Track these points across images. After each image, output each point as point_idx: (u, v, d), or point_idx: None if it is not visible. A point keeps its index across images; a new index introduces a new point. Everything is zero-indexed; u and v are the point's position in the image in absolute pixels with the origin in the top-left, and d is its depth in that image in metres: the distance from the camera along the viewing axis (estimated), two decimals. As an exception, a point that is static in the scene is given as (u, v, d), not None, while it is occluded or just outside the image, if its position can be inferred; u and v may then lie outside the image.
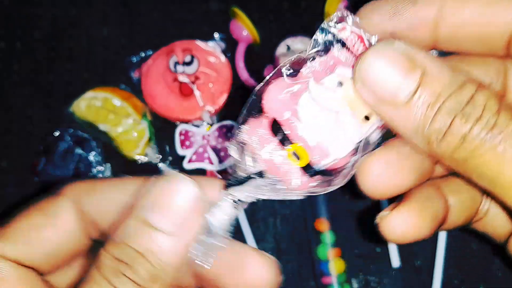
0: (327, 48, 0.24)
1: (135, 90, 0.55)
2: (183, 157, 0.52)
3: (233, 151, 0.24)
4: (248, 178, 0.24)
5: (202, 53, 0.54)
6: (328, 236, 0.49)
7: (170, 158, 0.53)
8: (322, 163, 0.23)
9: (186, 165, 0.52)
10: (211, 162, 0.51)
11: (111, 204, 0.24)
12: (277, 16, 0.58)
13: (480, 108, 0.19)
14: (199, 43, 0.55)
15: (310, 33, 0.54)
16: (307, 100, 0.23)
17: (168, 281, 0.21)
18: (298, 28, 0.57)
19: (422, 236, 0.24)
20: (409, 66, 0.20)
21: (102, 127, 0.52)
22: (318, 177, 0.24)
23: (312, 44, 0.24)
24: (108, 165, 0.52)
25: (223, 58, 0.55)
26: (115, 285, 0.20)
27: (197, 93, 0.53)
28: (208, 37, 0.56)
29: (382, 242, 0.50)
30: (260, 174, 0.24)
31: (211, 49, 0.55)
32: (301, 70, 0.24)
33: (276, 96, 0.24)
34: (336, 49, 0.24)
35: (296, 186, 0.23)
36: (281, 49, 0.52)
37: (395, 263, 0.49)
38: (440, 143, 0.20)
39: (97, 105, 0.52)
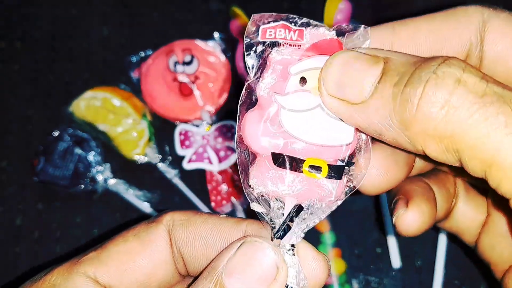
0: (264, 60, 0.23)
1: (135, 90, 0.55)
2: (182, 157, 0.52)
3: (256, 207, 0.23)
4: (289, 219, 0.23)
5: (202, 52, 0.54)
6: (328, 237, 0.49)
7: (170, 158, 0.53)
8: (339, 158, 0.22)
9: (186, 165, 0.52)
10: (210, 162, 0.51)
11: (202, 243, 0.24)
12: (277, 16, 0.58)
13: (459, 71, 0.19)
14: (199, 42, 0.55)
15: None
16: (287, 115, 0.22)
17: None
18: (298, 27, 0.57)
19: (428, 228, 0.26)
20: (372, 59, 0.20)
21: (102, 127, 0.52)
22: (345, 175, 0.23)
23: (250, 69, 0.23)
24: (108, 165, 0.52)
25: (222, 57, 0.55)
26: None
27: (196, 93, 0.53)
28: (208, 37, 0.56)
29: (382, 242, 0.50)
30: (297, 210, 0.23)
31: (211, 49, 0.55)
32: (259, 94, 0.23)
33: (258, 135, 0.22)
34: (274, 52, 0.23)
35: (333, 196, 0.23)
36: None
37: (395, 263, 0.49)
38: (410, 127, 0.19)
39: (97, 105, 0.52)
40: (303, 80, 0.22)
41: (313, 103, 0.22)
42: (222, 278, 0.21)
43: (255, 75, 0.23)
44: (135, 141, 0.52)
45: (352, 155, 0.23)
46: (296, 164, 0.22)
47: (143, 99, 0.54)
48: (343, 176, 0.23)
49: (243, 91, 0.23)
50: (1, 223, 0.52)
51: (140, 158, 0.52)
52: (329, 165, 0.22)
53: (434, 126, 0.19)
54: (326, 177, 0.22)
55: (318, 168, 0.22)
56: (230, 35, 0.56)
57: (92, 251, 0.23)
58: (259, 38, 0.23)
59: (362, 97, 0.20)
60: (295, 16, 0.24)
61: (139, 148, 0.52)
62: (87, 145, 0.52)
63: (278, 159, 0.22)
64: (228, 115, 0.54)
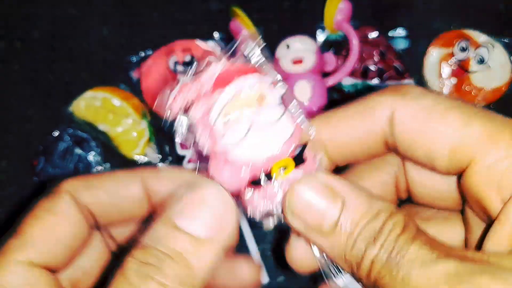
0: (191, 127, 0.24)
1: (135, 90, 0.55)
2: (183, 157, 0.52)
3: (267, 224, 0.24)
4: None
5: (202, 52, 0.54)
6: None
7: (170, 158, 0.53)
8: (297, 145, 0.24)
9: (186, 165, 0.52)
10: (211, 162, 0.51)
11: (106, 196, 0.26)
12: (277, 15, 0.58)
13: (386, 234, 0.21)
14: (199, 42, 0.55)
15: (310, 33, 0.54)
16: (239, 150, 0.23)
17: (196, 284, 0.21)
18: (298, 27, 0.57)
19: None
20: (331, 196, 0.22)
21: (102, 127, 0.52)
22: (307, 154, 0.24)
23: (178, 130, 0.24)
24: (108, 165, 0.52)
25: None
26: None
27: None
28: (208, 37, 0.57)
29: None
30: None
31: (211, 49, 0.55)
32: (208, 153, 0.24)
33: (225, 177, 0.24)
34: (193, 113, 0.24)
35: (308, 178, 0.24)
36: (281, 48, 0.52)
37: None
38: (358, 269, 0.22)
39: (97, 105, 0.52)
40: (222, 102, 0.23)
41: (245, 127, 0.23)
42: (174, 218, 0.21)
43: (179, 134, 0.24)
44: (135, 141, 0.52)
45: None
46: (266, 179, 0.24)
47: (143, 99, 0.54)
48: (307, 159, 0.24)
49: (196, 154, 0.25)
50: (1, 223, 0.52)
51: (140, 158, 0.52)
52: (294, 159, 0.24)
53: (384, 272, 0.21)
54: (295, 168, 0.24)
55: (285, 167, 0.24)
56: (230, 35, 0.56)
57: (11, 239, 0.23)
58: (173, 114, 0.24)
59: (322, 231, 0.22)
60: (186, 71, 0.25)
61: (139, 148, 0.52)
62: (87, 145, 0.52)
63: (252, 184, 0.24)
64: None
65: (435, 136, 0.23)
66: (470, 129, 0.22)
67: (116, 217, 0.27)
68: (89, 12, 0.60)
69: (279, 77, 0.25)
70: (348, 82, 0.53)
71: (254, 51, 0.24)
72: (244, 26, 0.55)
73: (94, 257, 0.27)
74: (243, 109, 0.23)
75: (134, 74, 0.55)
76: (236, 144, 0.23)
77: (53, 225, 0.24)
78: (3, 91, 0.57)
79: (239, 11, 0.54)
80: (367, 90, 0.53)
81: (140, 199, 0.26)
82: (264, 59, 0.25)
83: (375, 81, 0.53)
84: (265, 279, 0.49)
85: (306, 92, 0.50)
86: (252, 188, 0.24)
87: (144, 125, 0.53)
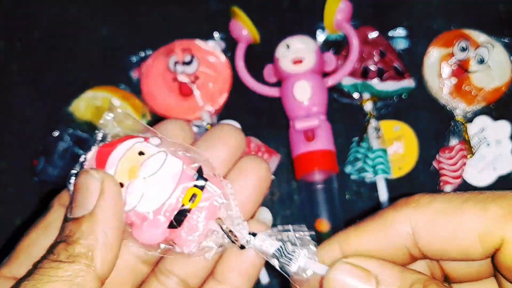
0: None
1: (135, 89, 0.55)
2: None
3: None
4: (230, 233, 0.26)
5: (202, 52, 0.54)
6: (328, 236, 0.49)
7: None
8: (192, 178, 0.26)
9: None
10: (211, 162, 0.51)
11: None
12: (277, 15, 0.58)
13: None
14: (199, 42, 0.55)
15: (310, 33, 0.54)
16: (133, 201, 0.25)
17: (91, 257, 0.23)
18: (298, 27, 0.57)
19: None
20: (365, 275, 0.23)
21: (102, 127, 0.52)
22: (206, 174, 0.26)
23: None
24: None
25: (223, 57, 0.55)
26: (38, 272, 0.22)
27: (196, 93, 0.53)
28: (208, 37, 0.57)
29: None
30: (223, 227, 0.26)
31: (211, 48, 0.55)
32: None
33: (147, 234, 0.25)
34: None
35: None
36: (281, 48, 0.52)
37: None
38: None
39: (97, 105, 0.53)
40: (121, 185, 0.25)
41: (140, 186, 0.25)
42: (66, 215, 0.24)
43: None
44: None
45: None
46: (183, 213, 0.25)
47: (143, 99, 0.54)
48: (204, 177, 0.26)
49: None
50: (1, 223, 0.52)
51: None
52: (194, 186, 0.25)
53: None
54: (203, 190, 0.25)
55: (194, 195, 0.25)
56: (230, 35, 0.56)
57: (8, 257, 0.26)
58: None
59: None
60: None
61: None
62: (88, 145, 0.52)
63: (175, 225, 0.25)
64: (228, 115, 0.54)
65: (461, 233, 0.24)
66: (489, 213, 0.23)
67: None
68: (88, 12, 0.60)
69: (148, 131, 0.27)
70: (348, 82, 0.53)
71: (111, 127, 0.27)
72: (244, 25, 0.55)
73: None
74: (129, 173, 0.25)
75: (134, 74, 0.55)
76: (139, 203, 0.25)
77: (37, 237, 0.26)
78: (3, 91, 0.57)
79: (239, 11, 0.54)
80: (366, 89, 0.53)
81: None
82: (121, 128, 0.27)
83: (375, 81, 0.53)
84: (265, 279, 0.50)
85: (306, 92, 0.50)
86: (176, 229, 0.25)
87: (144, 125, 0.53)
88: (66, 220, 0.24)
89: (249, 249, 0.27)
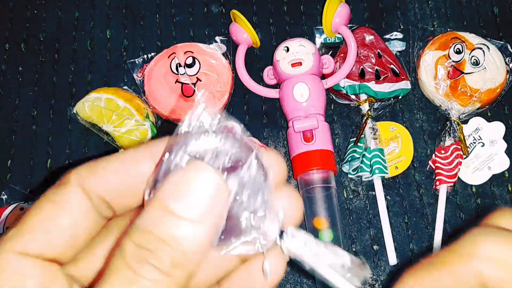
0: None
1: (138, 91, 0.56)
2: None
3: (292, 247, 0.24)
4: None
5: (203, 55, 0.55)
6: (326, 234, 0.50)
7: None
8: None
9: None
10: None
11: (116, 179, 0.24)
12: (277, 19, 0.59)
13: None
14: (200, 45, 0.56)
15: (308, 36, 0.55)
16: None
17: (191, 268, 0.21)
18: (297, 30, 0.58)
19: None
20: None
21: (105, 127, 0.53)
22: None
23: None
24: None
25: (224, 60, 0.55)
26: (140, 273, 0.21)
27: (198, 94, 0.54)
28: (209, 40, 0.57)
29: (379, 239, 0.51)
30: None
31: (212, 51, 0.55)
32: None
33: None
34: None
35: None
36: (280, 51, 0.53)
37: (392, 260, 0.50)
38: None
39: (100, 106, 0.53)
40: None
41: None
42: (168, 202, 0.21)
43: None
44: (138, 141, 0.53)
45: None
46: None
47: (146, 100, 0.55)
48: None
49: None
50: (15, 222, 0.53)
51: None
52: None
53: None
54: None
55: None
56: (230, 38, 0.57)
57: (12, 229, 0.23)
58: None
59: None
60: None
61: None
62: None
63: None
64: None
65: None
66: None
67: (132, 201, 0.25)
68: (92, 15, 0.60)
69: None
70: (345, 83, 0.54)
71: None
72: (244, 29, 0.56)
73: (107, 246, 0.26)
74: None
75: (137, 76, 0.56)
76: None
77: (55, 215, 0.23)
78: (8, 93, 0.58)
79: (238, 14, 0.55)
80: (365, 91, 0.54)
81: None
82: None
83: (372, 83, 0.53)
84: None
85: (305, 93, 0.51)
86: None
87: (147, 125, 0.53)
88: (162, 207, 0.22)
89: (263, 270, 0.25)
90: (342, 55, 0.55)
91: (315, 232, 0.50)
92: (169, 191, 0.22)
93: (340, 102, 0.56)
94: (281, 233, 0.24)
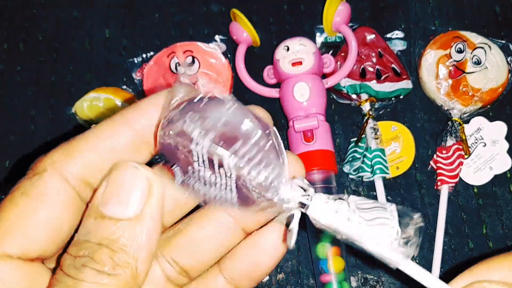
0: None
1: (137, 90, 0.55)
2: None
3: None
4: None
5: (203, 54, 0.55)
6: (327, 235, 0.49)
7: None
8: None
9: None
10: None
11: (95, 157, 0.23)
12: (277, 18, 0.59)
13: None
14: (200, 44, 0.55)
15: (309, 35, 0.55)
16: None
17: (136, 265, 0.21)
18: (297, 29, 0.58)
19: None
20: None
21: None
22: None
23: None
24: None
25: (223, 59, 0.55)
26: (79, 278, 0.20)
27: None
28: (208, 39, 0.57)
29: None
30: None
31: (212, 50, 0.55)
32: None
33: None
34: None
35: None
36: (280, 50, 0.53)
37: (393, 261, 0.50)
38: None
39: (99, 106, 0.53)
40: None
41: None
42: (100, 209, 0.21)
43: None
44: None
45: None
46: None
47: (144, 100, 0.55)
48: None
49: None
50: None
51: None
52: None
53: None
54: None
55: None
56: (230, 37, 0.57)
57: None
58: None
59: None
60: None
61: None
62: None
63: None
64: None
65: None
66: None
67: None
68: (91, 14, 0.60)
69: None
70: (346, 83, 0.54)
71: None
72: (244, 28, 0.55)
73: None
74: None
75: (136, 75, 0.56)
76: None
77: (32, 210, 0.22)
78: (7, 92, 0.58)
79: (239, 13, 0.54)
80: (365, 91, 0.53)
81: (135, 145, 0.23)
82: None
83: (373, 82, 0.53)
84: (264, 277, 0.50)
85: (305, 93, 0.51)
86: None
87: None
88: (96, 215, 0.21)
89: (266, 245, 0.25)
90: (343, 54, 0.55)
91: (315, 233, 0.49)
92: (100, 198, 0.21)
93: (341, 101, 0.55)
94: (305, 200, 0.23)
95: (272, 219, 0.25)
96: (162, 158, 0.23)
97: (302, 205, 0.23)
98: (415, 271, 0.22)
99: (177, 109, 0.23)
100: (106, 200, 0.21)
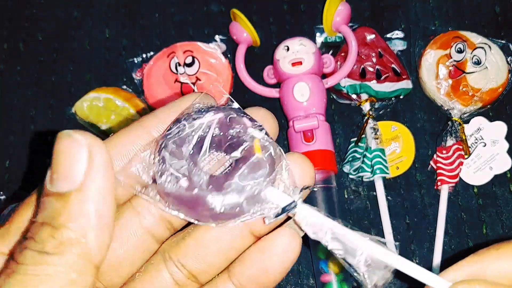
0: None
1: (137, 90, 0.55)
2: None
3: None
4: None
5: (203, 54, 0.55)
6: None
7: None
8: None
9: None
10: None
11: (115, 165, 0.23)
12: (277, 18, 0.59)
13: None
14: (200, 44, 0.55)
15: (309, 35, 0.55)
16: None
17: (85, 242, 0.19)
18: (297, 29, 0.58)
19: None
20: None
21: (104, 127, 0.53)
22: None
23: None
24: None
25: (223, 59, 0.55)
26: (19, 261, 0.18)
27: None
28: (208, 39, 0.57)
29: (379, 241, 0.51)
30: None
31: (212, 50, 0.55)
32: None
33: None
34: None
35: None
36: (280, 50, 0.53)
37: (393, 261, 0.50)
38: None
39: (99, 106, 0.53)
40: None
41: None
42: (47, 186, 0.20)
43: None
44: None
45: None
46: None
47: (145, 99, 0.55)
48: None
49: None
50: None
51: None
52: None
53: None
54: None
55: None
56: (230, 37, 0.57)
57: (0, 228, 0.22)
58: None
59: None
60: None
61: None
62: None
63: None
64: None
65: None
66: None
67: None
68: (91, 14, 0.60)
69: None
70: (346, 83, 0.54)
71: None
72: (244, 28, 0.55)
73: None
74: None
75: (136, 75, 0.56)
76: None
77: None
78: (6, 92, 0.58)
79: (239, 13, 0.54)
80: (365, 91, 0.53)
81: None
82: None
83: (373, 82, 0.53)
84: None
85: (305, 93, 0.51)
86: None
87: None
88: (44, 193, 0.20)
89: (276, 250, 0.24)
90: (343, 54, 0.55)
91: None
92: (48, 177, 0.20)
93: (341, 101, 0.55)
94: (294, 206, 0.23)
95: (282, 223, 0.25)
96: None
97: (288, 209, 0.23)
98: (407, 266, 0.23)
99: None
100: (50, 176, 0.20)
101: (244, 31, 0.55)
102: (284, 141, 0.54)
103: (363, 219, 0.52)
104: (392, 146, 0.53)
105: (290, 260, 0.24)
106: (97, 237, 0.19)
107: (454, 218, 0.51)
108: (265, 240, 0.25)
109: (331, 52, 0.56)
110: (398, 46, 0.56)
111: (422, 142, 0.54)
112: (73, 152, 0.19)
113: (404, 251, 0.50)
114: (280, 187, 0.23)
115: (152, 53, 0.56)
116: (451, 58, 0.54)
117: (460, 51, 0.54)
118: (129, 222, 0.24)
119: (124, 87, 0.56)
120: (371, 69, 0.53)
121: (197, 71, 0.54)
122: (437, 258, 0.49)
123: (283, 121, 0.54)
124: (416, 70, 0.55)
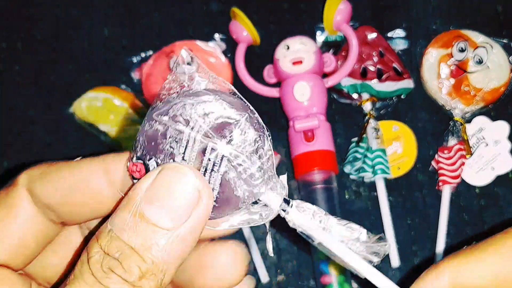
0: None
1: (136, 90, 0.55)
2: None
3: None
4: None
5: (203, 53, 0.55)
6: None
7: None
8: None
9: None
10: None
11: (64, 190, 0.23)
12: (277, 17, 0.59)
13: None
14: (200, 43, 0.55)
15: (309, 34, 0.55)
16: None
17: (161, 278, 0.20)
18: (298, 28, 0.58)
19: None
20: None
21: (103, 127, 0.53)
22: None
23: None
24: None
25: (223, 58, 0.55)
26: (104, 283, 0.19)
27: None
28: (208, 38, 0.57)
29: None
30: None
31: (212, 49, 0.55)
32: None
33: None
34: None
35: None
36: (280, 49, 0.53)
37: (394, 262, 0.49)
38: None
39: (98, 105, 0.53)
40: None
41: None
42: (142, 207, 0.20)
43: None
44: (136, 141, 0.52)
45: None
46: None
47: (144, 99, 0.55)
48: None
49: None
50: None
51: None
52: None
53: None
54: None
55: None
56: (230, 36, 0.57)
57: None
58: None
59: None
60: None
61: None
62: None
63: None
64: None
65: None
66: None
67: (82, 212, 0.24)
68: (90, 13, 0.60)
69: None
70: (347, 82, 0.53)
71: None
72: (244, 27, 0.55)
73: (67, 253, 0.25)
74: None
75: (135, 75, 0.56)
76: None
77: (3, 219, 0.22)
78: (5, 92, 0.58)
79: (239, 12, 0.54)
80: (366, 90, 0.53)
81: (104, 194, 0.23)
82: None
83: (374, 82, 0.53)
84: (265, 278, 0.50)
85: (306, 92, 0.51)
86: None
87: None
88: (141, 216, 0.20)
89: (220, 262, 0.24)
90: (344, 53, 0.55)
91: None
92: (145, 194, 0.20)
93: (342, 101, 0.55)
94: (286, 203, 0.23)
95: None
96: (133, 152, 0.22)
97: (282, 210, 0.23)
98: (379, 280, 0.22)
99: (173, 95, 0.23)
100: (150, 200, 0.20)
101: (244, 30, 0.55)
102: (284, 141, 0.53)
103: (364, 220, 0.51)
104: (393, 146, 0.53)
105: (234, 281, 0.25)
106: (171, 276, 0.20)
107: (456, 219, 0.51)
108: (208, 251, 0.25)
109: (331, 51, 0.56)
110: (399, 45, 0.56)
111: (423, 142, 0.53)
112: (185, 192, 0.20)
113: (406, 252, 0.50)
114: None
115: (151, 52, 0.56)
116: (453, 57, 0.54)
117: (461, 50, 0.53)
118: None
119: (123, 86, 0.56)
120: (372, 68, 0.53)
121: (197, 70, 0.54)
122: (438, 259, 0.49)
123: (283, 121, 0.54)
124: (418, 70, 0.55)
